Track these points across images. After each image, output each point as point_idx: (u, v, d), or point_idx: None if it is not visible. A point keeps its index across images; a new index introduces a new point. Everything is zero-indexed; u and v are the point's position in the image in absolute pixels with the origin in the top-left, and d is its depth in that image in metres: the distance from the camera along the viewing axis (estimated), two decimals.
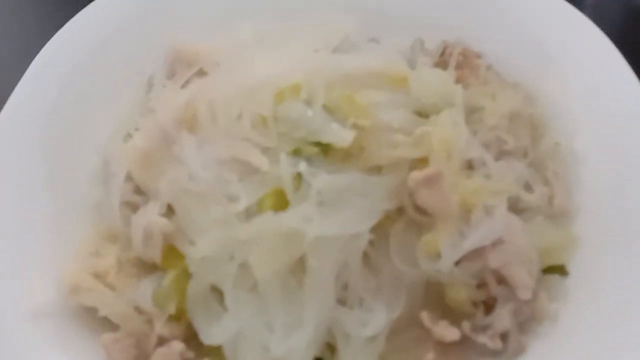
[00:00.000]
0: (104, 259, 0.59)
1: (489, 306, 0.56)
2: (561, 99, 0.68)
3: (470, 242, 0.54)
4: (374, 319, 0.53)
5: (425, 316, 0.55)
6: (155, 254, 0.56)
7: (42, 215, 0.62)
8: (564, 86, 0.68)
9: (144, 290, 0.56)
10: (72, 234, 0.62)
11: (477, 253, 0.55)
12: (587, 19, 0.71)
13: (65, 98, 0.68)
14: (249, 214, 0.54)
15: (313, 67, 0.60)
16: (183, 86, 0.64)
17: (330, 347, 0.54)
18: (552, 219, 0.61)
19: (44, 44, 0.70)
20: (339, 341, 0.53)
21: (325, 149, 0.55)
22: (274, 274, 0.52)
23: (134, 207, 0.60)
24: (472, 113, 0.63)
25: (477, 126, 0.62)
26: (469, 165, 0.59)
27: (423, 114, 0.60)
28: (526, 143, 0.63)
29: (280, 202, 0.53)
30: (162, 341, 0.55)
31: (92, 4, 0.73)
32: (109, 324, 0.57)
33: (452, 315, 0.56)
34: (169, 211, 0.57)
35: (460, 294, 0.55)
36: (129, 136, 0.64)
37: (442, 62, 0.71)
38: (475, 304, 0.56)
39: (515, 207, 0.60)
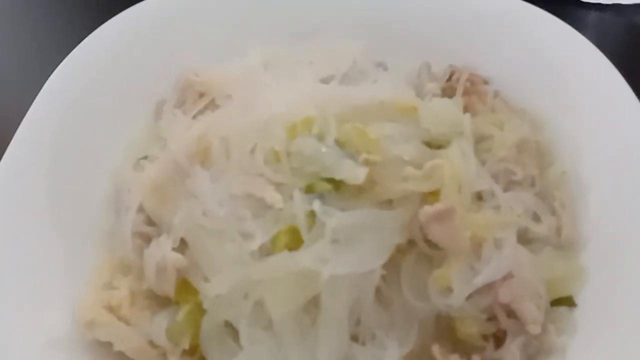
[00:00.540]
0: (117, 291, 0.58)
1: (498, 338, 0.57)
2: (566, 126, 0.68)
3: (482, 277, 0.55)
4: (387, 355, 0.53)
5: (436, 350, 0.55)
6: (168, 289, 0.56)
7: (53, 246, 0.61)
8: (568, 113, 0.69)
9: (158, 325, 0.56)
10: (84, 263, 0.61)
11: (488, 287, 0.55)
12: (590, 44, 0.71)
13: (74, 124, 0.68)
14: (263, 251, 0.54)
15: (324, 99, 0.60)
16: (194, 117, 0.64)
17: None
18: (559, 249, 0.61)
19: (57, 64, 0.70)
20: None
21: (337, 184, 0.55)
22: (289, 313, 0.52)
23: (145, 238, 0.60)
24: (480, 141, 0.64)
25: (485, 155, 0.63)
26: (479, 197, 0.60)
27: (432, 144, 0.60)
28: (534, 172, 0.64)
29: (295, 239, 0.53)
30: None
31: (99, 28, 0.73)
32: (123, 358, 0.57)
33: (463, 348, 0.56)
34: (182, 245, 0.57)
35: (471, 327, 0.55)
36: (138, 164, 0.65)
37: (449, 88, 0.71)
38: (485, 337, 0.56)
39: (524, 238, 0.60)
